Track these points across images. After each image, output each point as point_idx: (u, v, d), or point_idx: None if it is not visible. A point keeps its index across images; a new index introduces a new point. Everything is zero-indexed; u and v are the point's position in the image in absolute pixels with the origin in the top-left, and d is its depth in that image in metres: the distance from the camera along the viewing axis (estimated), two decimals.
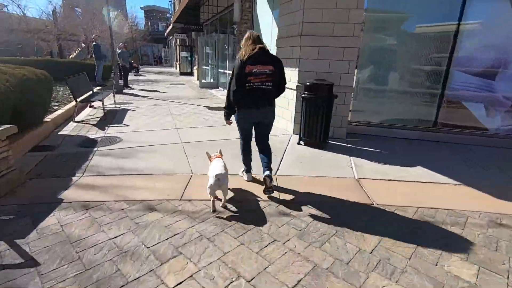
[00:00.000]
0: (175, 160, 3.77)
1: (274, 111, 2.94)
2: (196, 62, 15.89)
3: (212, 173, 2.54)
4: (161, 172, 3.37)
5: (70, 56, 23.10)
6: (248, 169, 3.21)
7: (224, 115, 3.03)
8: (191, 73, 19.74)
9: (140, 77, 17.30)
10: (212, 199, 2.56)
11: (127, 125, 5.48)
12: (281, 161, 3.84)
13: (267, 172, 2.81)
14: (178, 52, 23.78)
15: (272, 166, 3.01)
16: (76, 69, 11.46)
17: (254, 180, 3.23)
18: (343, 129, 4.90)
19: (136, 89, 11.10)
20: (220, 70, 12.19)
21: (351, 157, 4.06)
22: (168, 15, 48.66)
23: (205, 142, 4.51)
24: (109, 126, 5.36)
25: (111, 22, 9.32)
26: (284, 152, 4.18)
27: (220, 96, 9.84)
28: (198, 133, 5.01)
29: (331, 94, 4.29)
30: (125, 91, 10.43)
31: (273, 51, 6.31)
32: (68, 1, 25.34)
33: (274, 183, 3.13)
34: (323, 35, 4.57)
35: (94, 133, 4.91)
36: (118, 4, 37.58)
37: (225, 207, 2.62)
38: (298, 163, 3.80)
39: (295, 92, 4.90)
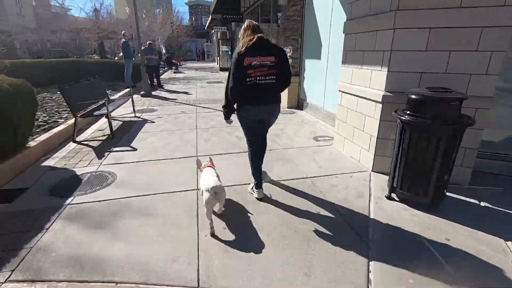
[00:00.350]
0: (176, 239, 2.16)
1: (280, 108, 2.63)
2: None
3: (206, 186, 2.18)
4: (142, 279, 1.79)
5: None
6: (258, 184, 2.70)
7: (224, 114, 2.62)
8: None
9: (178, 75, 16.37)
10: (210, 220, 2.18)
11: (134, 149, 4.06)
12: (368, 252, 2.02)
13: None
14: (219, 46, 22.58)
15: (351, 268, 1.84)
16: (104, 69, 10.69)
17: (265, 199, 2.68)
18: (466, 169, 2.87)
19: (168, 90, 9.91)
20: None
21: (509, 242, 2.08)
22: (211, 8, 48.18)
23: (236, 188, 2.86)
24: (111, 151, 4.00)
25: (137, 17, 8.12)
26: (370, 225, 2.32)
27: None
28: (226, 167, 3.34)
29: (460, 116, 2.32)
30: (155, 92, 9.29)
31: (337, 38, 4.37)
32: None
33: None
34: (439, 8, 2.57)
35: (85, 165, 3.56)
36: (163, 0, 38.12)
37: (221, 213, 2.42)
38: (401, 261, 1.94)
39: (379, 106, 3.00)
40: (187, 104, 7.41)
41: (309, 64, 6.19)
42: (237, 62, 2.36)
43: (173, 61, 18.73)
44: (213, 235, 2.17)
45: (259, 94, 2.44)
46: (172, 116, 6.06)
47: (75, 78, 5.65)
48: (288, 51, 6.44)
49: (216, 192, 2.16)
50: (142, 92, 8.68)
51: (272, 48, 2.45)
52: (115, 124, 5.33)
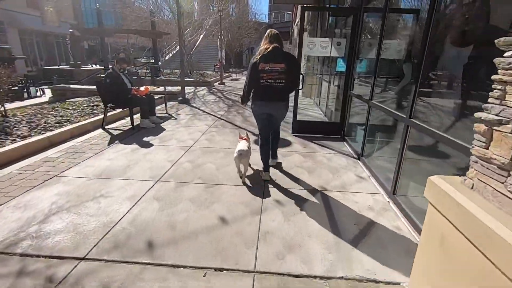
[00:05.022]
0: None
1: (287, 105, 3.15)
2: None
3: (237, 149, 3.10)
4: None
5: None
6: (265, 168, 3.25)
7: (241, 100, 3.30)
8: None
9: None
10: (237, 169, 3.25)
11: None
12: None
13: (269, 163, 3.27)
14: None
15: None
16: None
17: (270, 180, 3.24)
18: None
19: None
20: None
21: None
22: None
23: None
24: None
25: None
26: None
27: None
28: None
29: None
30: None
31: None
32: None
33: None
34: None
35: None
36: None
37: (244, 182, 3.16)
38: None
39: None
40: None
41: None
42: (254, 65, 2.89)
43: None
44: (241, 177, 3.21)
45: (268, 93, 2.97)
46: None
47: None
48: None
49: (241, 154, 3.03)
50: None
51: (284, 56, 2.91)
52: None
